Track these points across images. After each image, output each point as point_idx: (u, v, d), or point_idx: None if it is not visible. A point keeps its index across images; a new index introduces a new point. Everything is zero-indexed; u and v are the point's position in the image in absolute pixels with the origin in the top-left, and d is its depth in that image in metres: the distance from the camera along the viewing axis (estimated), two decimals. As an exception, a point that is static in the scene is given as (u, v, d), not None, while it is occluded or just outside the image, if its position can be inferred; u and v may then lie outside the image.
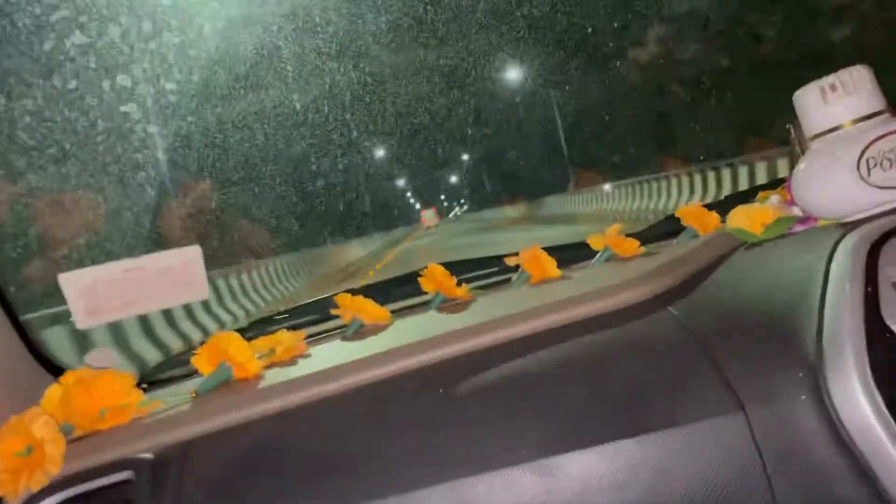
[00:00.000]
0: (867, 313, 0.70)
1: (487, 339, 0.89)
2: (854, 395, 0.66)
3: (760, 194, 1.10)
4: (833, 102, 0.88)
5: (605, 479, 0.71)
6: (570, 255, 1.24)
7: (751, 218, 1.02)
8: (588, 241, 1.22)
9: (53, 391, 0.94)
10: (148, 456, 0.83)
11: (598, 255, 1.21)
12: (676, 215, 1.23)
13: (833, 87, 0.88)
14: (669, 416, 0.73)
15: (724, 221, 1.11)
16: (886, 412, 0.65)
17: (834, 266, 0.75)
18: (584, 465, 0.72)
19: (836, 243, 0.78)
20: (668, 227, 1.25)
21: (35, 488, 0.82)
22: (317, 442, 0.80)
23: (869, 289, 0.72)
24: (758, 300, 0.82)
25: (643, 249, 1.19)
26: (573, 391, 0.78)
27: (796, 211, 0.99)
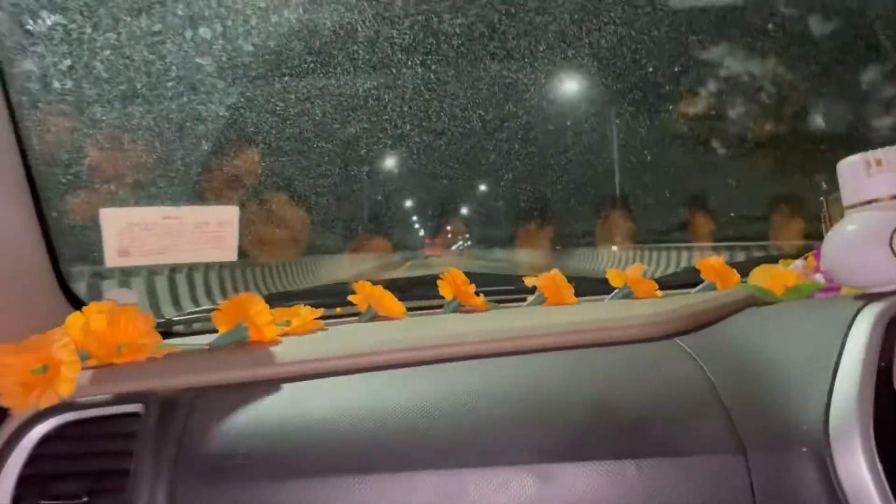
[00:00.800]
0: (878, 383, 0.71)
1: (501, 346, 0.92)
2: (855, 458, 0.68)
3: (782, 261, 1.11)
4: (875, 176, 0.89)
5: (599, 495, 0.72)
6: (588, 286, 1.26)
7: (773, 278, 1.04)
8: (607, 276, 1.24)
9: (76, 319, 0.97)
10: (159, 393, 0.87)
11: (615, 292, 1.22)
12: (697, 267, 1.24)
13: (878, 162, 0.89)
14: (670, 445, 0.74)
15: (744, 280, 1.12)
16: (885, 481, 0.66)
17: (852, 333, 0.77)
18: (580, 478, 0.73)
19: (857, 312, 0.79)
20: (687, 278, 1.27)
21: (43, 405, 0.85)
22: (323, 411, 0.83)
23: (882, 363, 0.73)
24: (770, 352, 0.84)
25: (660, 294, 1.21)
26: (579, 406, 0.80)
27: (819, 279, 1.00)
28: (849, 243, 0.90)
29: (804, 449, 0.71)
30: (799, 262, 1.06)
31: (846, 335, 0.77)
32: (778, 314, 0.94)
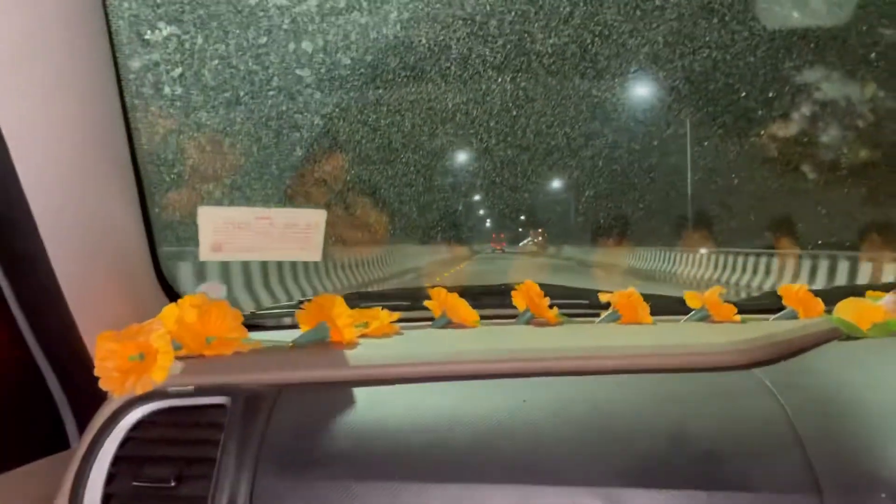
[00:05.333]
0: None
1: (576, 364, 0.92)
2: None
3: (869, 293, 1.07)
4: None
5: None
6: (664, 305, 1.24)
7: (860, 312, 1.00)
8: (685, 297, 1.23)
9: (171, 310, 1.03)
10: (244, 387, 0.91)
11: (692, 313, 1.21)
12: (779, 293, 1.21)
13: None
14: (744, 479, 0.73)
15: (827, 310, 1.09)
16: None
17: None
18: None
19: None
20: (768, 303, 1.24)
21: (139, 391, 0.91)
22: (398, 417, 0.85)
23: None
24: (853, 389, 0.81)
25: (739, 318, 1.18)
26: (652, 432, 0.80)
27: (908, 316, 0.97)
28: None
29: (883, 495, 0.68)
30: (889, 297, 1.02)
31: None
32: (863, 350, 0.91)
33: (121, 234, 1.11)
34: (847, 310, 1.02)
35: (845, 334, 0.99)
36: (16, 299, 0.95)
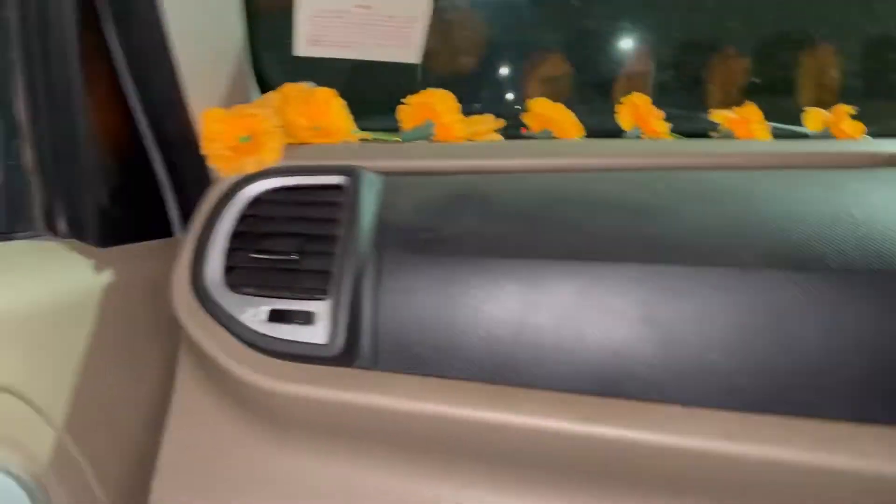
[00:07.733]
0: None
1: (710, 161, 0.90)
2: None
3: None
4: None
5: (817, 304, 0.69)
6: (780, 133, 1.18)
7: None
8: (804, 116, 1.15)
9: (272, 96, 0.98)
10: (364, 168, 0.88)
11: (814, 133, 1.14)
12: None
13: None
14: None
15: None
16: None
17: None
18: (792, 288, 0.70)
19: None
20: None
21: (250, 170, 0.88)
22: (525, 202, 0.83)
23: None
24: None
25: (866, 137, 1.12)
26: (806, 216, 0.77)
27: None
28: None
29: None
30: None
31: None
32: None
33: (213, 20, 1.03)
34: None
35: None
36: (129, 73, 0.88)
